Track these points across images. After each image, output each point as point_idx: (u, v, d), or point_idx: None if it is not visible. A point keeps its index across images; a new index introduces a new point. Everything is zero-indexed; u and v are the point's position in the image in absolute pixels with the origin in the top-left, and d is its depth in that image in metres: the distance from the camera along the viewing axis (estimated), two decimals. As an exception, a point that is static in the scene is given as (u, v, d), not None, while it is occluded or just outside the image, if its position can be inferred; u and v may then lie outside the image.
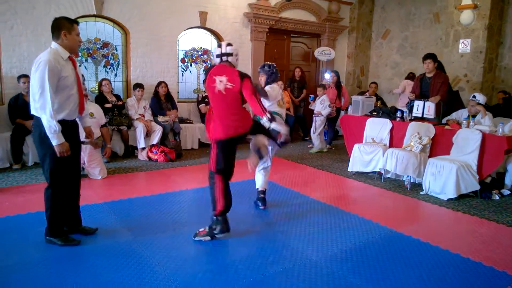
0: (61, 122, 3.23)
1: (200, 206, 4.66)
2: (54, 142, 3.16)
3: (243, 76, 3.54)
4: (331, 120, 8.30)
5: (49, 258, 3.20)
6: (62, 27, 3.24)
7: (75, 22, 3.35)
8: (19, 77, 6.13)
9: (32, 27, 6.48)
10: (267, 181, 4.68)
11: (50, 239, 3.42)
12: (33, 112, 3.21)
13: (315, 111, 8.05)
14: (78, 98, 3.39)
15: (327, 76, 8.58)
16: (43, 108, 3.10)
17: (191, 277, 3.00)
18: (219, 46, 3.65)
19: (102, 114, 5.66)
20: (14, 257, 3.19)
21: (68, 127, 3.34)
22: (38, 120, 3.19)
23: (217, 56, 3.64)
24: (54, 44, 3.26)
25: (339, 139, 9.01)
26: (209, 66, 4.24)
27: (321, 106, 7.88)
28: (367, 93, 8.75)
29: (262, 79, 4.54)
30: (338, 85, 8.29)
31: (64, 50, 3.26)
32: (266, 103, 4.20)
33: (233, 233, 3.80)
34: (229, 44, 3.65)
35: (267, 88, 4.40)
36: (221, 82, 3.50)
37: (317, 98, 8.15)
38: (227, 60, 3.62)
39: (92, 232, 3.68)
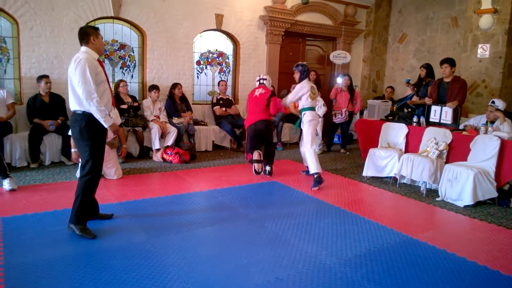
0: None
1: (213, 207, 4.67)
2: (106, 124, 3.56)
3: (272, 93, 6.05)
4: (344, 124, 8.25)
5: (66, 257, 3.23)
6: (90, 33, 3.65)
7: (98, 29, 3.76)
8: (40, 78, 6.23)
9: (51, 28, 6.58)
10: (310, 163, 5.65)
11: (72, 226, 3.62)
12: (74, 107, 3.58)
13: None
14: (110, 93, 3.75)
15: (339, 80, 8.51)
16: (89, 98, 3.45)
17: (205, 278, 3.00)
18: (259, 76, 6.26)
19: (118, 115, 5.71)
20: (31, 255, 3.23)
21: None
22: (76, 115, 3.58)
23: (257, 80, 6.21)
24: (84, 48, 3.64)
25: (353, 143, 8.96)
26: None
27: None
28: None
29: (296, 76, 5.82)
30: (351, 89, 8.23)
31: (93, 52, 3.66)
32: (291, 98, 5.91)
33: (244, 234, 3.80)
34: (265, 78, 6.19)
35: (297, 86, 5.81)
36: (258, 91, 6.02)
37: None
38: (263, 83, 6.13)
39: (108, 217, 4.06)
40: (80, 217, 3.63)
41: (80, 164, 4.17)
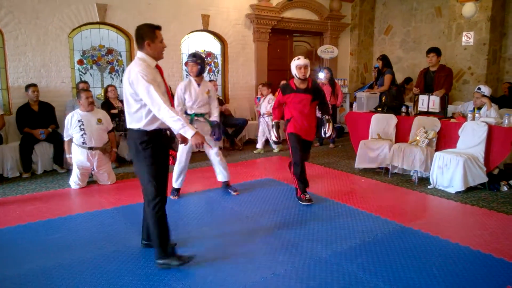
0: (156, 131, 3.13)
1: (208, 207, 4.69)
2: (188, 135, 2.99)
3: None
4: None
5: (62, 265, 3.24)
6: (145, 36, 3.09)
7: (156, 28, 3.16)
8: (27, 87, 6.21)
9: (37, 36, 6.55)
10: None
11: (166, 261, 3.17)
12: (130, 124, 3.13)
13: (262, 112, 7.81)
14: (170, 105, 3.10)
15: (321, 75, 8.52)
16: (160, 110, 2.95)
17: (202, 278, 3.02)
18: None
19: (109, 120, 5.70)
20: (26, 265, 3.23)
21: (162, 137, 3.21)
22: (132, 133, 3.14)
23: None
24: (140, 54, 3.14)
25: (345, 136, 9.01)
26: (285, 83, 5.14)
27: (269, 106, 7.44)
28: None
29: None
30: (332, 82, 8.24)
31: (150, 58, 3.13)
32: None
33: (241, 233, 3.83)
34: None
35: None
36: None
37: (263, 98, 7.94)
38: None
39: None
40: (166, 248, 3.18)
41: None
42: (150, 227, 3.20)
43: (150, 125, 3.09)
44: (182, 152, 4.86)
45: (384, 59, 7.63)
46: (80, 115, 5.38)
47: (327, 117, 4.89)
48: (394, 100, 6.83)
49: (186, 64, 5.05)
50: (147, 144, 3.09)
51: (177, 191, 4.99)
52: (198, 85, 4.88)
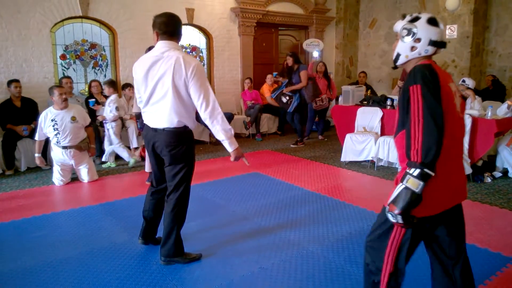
0: (190, 131, 3.07)
1: (195, 202, 4.66)
2: (231, 148, 2.91)
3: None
4: (322, 111, 8.32)
5: (47, 263, 3.19)
6: (180, 32, 2.97)
7: None
8: (9, 82, 6.10)
9: (18, 31, 6.42)
10: None
11: (176, 260, 3.14)
12: (170, 123, 2.92)
13: (104, 117, 6.24)
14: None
15: (316, 54, 8.67)
16: (214, 114, 2.83)
17: (189, 274, 3.01)
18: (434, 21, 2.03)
19: (85, 115, 5.50)
20: (10, 264, 3.18)
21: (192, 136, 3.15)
22: (183, 133, 2.98)
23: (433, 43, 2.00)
24: (175, 45, 2.92)
25: (331, 130, 9.05)
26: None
27: (108, 109, 6.11)
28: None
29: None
30: (326, 75, 8.30)
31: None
32: None
33: (227, 228, 3.82)
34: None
35: None
36: (456, 94, 2.03)
37: (107, 102, 6.23)
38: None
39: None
40: (181, 247, 3.16)
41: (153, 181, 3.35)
42: (168, 227, 3.09)
43: (193, 123, 3.05)
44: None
45: (294, 55, 7.65)
46: (54, 113, 5.14)
47: None
48: (313, 94, 7.56)
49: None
50: (191, 146, 3.04)
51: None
52: None
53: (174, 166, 3.00)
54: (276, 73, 8.80)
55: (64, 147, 5.24)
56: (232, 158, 2.98)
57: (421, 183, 1.78)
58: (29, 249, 3.44)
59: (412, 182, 1.79)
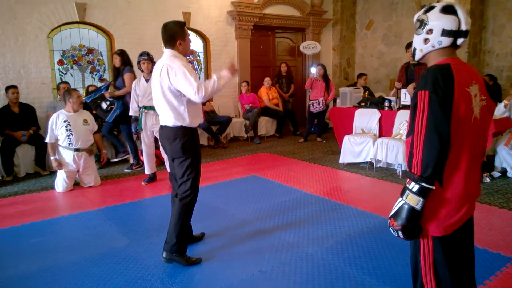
0: (194, 129, 3.22)
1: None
2: (222, 82, 3.06)
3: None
4: (320, 114, 8.34)
5: (46, 269, 3.19)
6: (177, 36, 3.12)
7: (184, 24, 3.25)
8: (7, 88, 6.10)
9: (15, 37, 6.43)
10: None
11: (174, 257, 3.19)
12: (169, 121, 3.13)
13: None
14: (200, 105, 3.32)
15: (313, 70, 8.61)
16: (200, 89, 2.94)
17: (189, 278, 3.01)
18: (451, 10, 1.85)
19: (94, 120, 5.58)
20: (10, 270, 3.18)
21: (196, 134, 3.31)
22: (173, 130, 3.13)
23: (448, 33, 1.85)
24: (169, 52, 3.15)
25: (329, 132, 9.06)
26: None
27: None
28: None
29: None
30: (325, 78, 8.32)
31: (180, 55, 3.17)
32: None
33: (227, 231, 3.82)
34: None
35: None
36: (476, 98, 1.83)
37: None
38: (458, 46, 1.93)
39: (201, 237, 3.71)
40: (183, 245, 3.21)
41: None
42: (173, 221, 3.19)
43: (193, 122, 3.20)
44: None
45: (122, 54, 6.04)
46: (66, 115, 5.21)
47: None
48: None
49: (139, 63, 5.23)
50: (190, 142, 3.17)
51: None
52: (147, 80, 5.27)
53: (176, 160, 3.19)
54: (100, 74, 7.51)
55: (77, 149, 5.25)
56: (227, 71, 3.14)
57: (421, 199, 1.73)
58: (28, 255, 3.44)
59: (411, 199, 1.76)
